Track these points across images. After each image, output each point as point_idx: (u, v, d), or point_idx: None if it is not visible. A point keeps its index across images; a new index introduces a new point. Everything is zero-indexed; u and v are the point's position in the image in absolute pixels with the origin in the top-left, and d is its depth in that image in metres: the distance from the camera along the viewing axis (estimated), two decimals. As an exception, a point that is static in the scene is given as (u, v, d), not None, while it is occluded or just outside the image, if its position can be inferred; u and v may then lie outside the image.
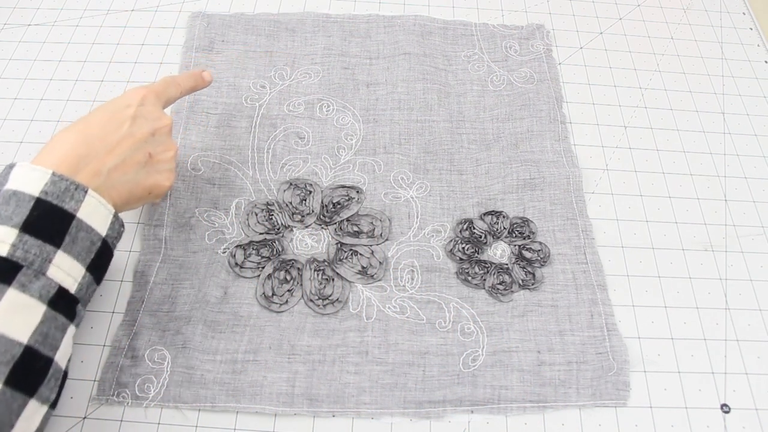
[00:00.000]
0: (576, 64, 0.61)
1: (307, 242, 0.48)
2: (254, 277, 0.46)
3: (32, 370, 0.32)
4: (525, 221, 0.50)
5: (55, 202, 0.33)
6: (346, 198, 0.50)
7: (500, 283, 0.47)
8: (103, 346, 0.42)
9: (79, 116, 0.54)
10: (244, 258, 0.46)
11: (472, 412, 0.41)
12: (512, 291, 0.46)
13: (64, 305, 0.34)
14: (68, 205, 0.34)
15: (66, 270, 0.33)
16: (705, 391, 0.43)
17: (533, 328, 0.44)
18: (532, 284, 0.46)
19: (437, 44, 0.61)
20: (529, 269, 0.47)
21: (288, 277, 0.46)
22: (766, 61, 0.63)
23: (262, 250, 0.47)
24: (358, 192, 0.50)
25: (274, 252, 0.47)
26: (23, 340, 0.31)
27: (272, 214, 0.49)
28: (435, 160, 0.53)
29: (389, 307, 0.45)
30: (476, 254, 0.48)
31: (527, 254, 0.48)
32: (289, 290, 0.45)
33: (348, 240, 0.48)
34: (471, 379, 0.42)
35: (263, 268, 0.46)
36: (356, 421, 0.41)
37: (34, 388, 0.32)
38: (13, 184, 0.33)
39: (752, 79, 0.61)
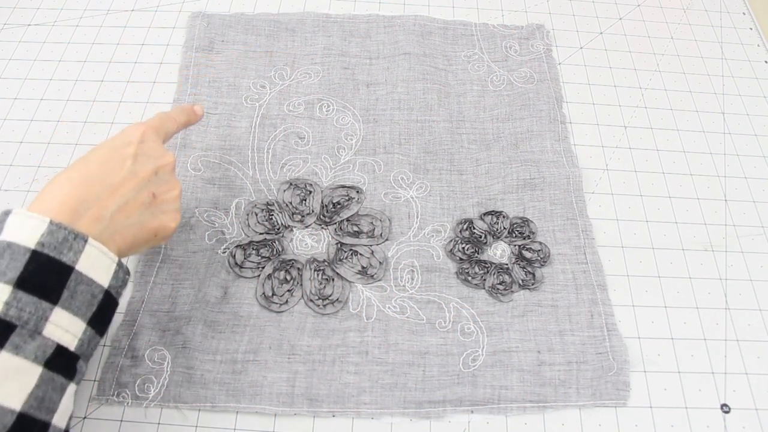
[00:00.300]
0: (576, 64, 0.61)
1: (307, 242, 0.48)
2: (254, 277, 0.46)
3: None
4: (525, 221, 0.50)
5: (52, 254, 0.31)
6: (346, 198, 0.50)
7: (500, 283, 0.47)
8: (103, 346, 0.42)
9: (78, 116, 0.55)
10: (244, 258, 0.46)
11: (472, 412, 0.41)
12: (512, 291, 0.46)
13: (63, 364, 0.31)
14: (66, 257, 0.31)
15: (64, 327, 0.31)
16: (705, 391, 0.43)
17: (533, 328, 0.44)
18: (532, 284, 0.46)
19: (437, 44, 0.61)
20: (529, 269, 0.47)
21: (288, 277, 0.46)
22: (766, 61, 0.63)
23: (262, 250, 0.47)
24: (358, 192, 0.50)
25: (274, 252, 0.47)
26: (16, 407, 0.29)
27: (272, 214, 0.49)
28: (435, 160, 0.53)
29: (389, 307, 0.45)
30: (476, 254, 0.48)
31: (527, 254, 0.48)
32: (289, 290, 0.45)
33: (348, 240, 0.48)
34: (471, 379, 0.42)
35: (263, 268, 0.46)
36: (356, 421, 0.41)
37: None
38: (7, 234, 0.31)
39: (752, 79, 0.61)
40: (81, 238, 0.32)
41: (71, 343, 0.32)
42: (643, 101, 0.59)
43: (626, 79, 0.60)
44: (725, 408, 0.43)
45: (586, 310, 0.45)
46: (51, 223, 0.31)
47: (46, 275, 0.31)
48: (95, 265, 0.33)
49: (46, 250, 0.31)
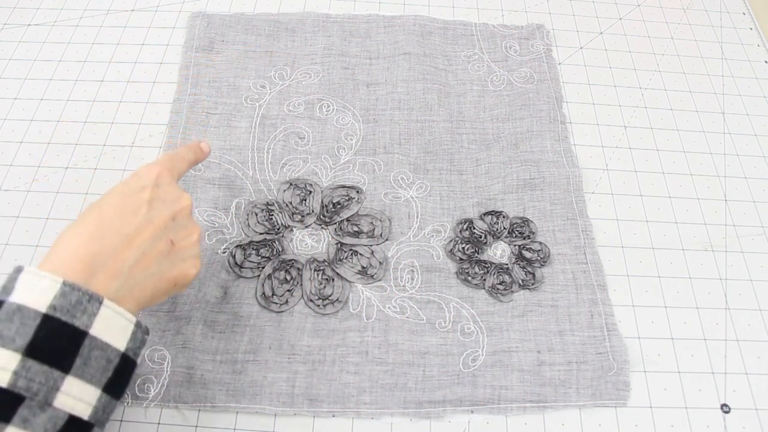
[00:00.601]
0: (576, 64, 0.61)
1: (307, 242, 0.48)
2: (254, 277, 0.46)
3: None
4: (525, 221, 0.50)
5: (64, 318, 0.29)
6: (346, 198, 0.50)
7: (500, 283, 0.47)
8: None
9: (78, 116, 0.55)
10: (244, 258, 0.46)
11: (472, 412, 0.41)
12: (512, 291, 0.46)
13: None
14: (80, 321, 0.29)
15: (77, 396, 0.29)
16: (705, 391, 0.43)
17: (533, 328, 0.44)
18: (532, 284, 0.46)
19: (437, 44, 0.61)
20: (529, 269, 0.47)
21: (288, 277, 0.46)
22: (766, 61, 0.63)
23: (261, 250, 0.47)
24: (358, 192, 0.50)
25: (274, 252, 0.47)
26: None
27: (272, 214, 0.49)
28: (435, 160, 0.53)
29: (389, 307, 0.45)
30: (476, 254, 0.48)
31: (527, 254, 0.48)
32: (288, 290, 0.45)
33: (348, 240, 0.48)
34: (471, 379, 0.42)
35: (263, 268, 0.46)
36: (356, 421, 0.41)
37: None
38: (18, 295, 0.29)
39: (752, 79, 0.61)
40: (96, 300, 0.30)
41: (84, 413, 0.30)
42: (643, 101, 0.59)
43: (626, 79, 0.60)
44: (725, 408, 0.43)
45: (586, 310, 0.45)
46: (64, 284, 0.29)
47: (57, 341, 0.29)
48: (111, 327, 0.31)
49: (58, 314, 0.29)
